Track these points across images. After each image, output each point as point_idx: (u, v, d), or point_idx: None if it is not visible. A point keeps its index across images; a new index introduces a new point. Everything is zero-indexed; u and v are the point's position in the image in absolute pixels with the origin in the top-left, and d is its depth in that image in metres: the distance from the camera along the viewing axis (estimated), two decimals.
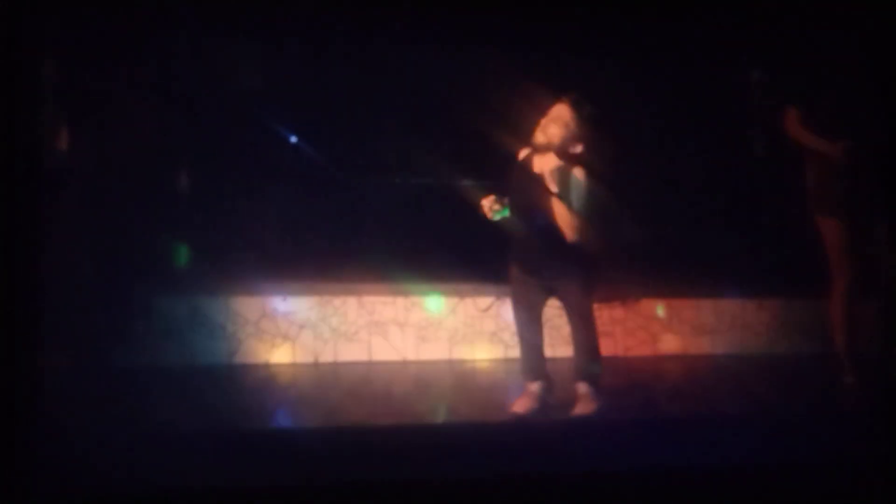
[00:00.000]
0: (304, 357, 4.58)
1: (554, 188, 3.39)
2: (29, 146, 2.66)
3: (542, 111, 3.54)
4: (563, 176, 3.41)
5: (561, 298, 3.68)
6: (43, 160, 2.98)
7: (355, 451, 2.85)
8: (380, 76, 5.14)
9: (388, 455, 2.79)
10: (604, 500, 2.54)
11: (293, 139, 5.11)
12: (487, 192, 3.60)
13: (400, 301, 4.71)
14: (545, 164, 3.48)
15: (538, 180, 3.45)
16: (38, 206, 2.74)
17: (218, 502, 2.41)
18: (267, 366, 4.51)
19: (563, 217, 3.39)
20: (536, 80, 5.14)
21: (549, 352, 3.79)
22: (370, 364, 4.61)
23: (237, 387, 4.14)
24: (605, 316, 4.86)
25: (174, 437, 3.04)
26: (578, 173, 3.43)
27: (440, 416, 3.86)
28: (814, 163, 4.20)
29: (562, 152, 3.46)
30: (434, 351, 4.71)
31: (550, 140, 3.45)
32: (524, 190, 3.51)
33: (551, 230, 3.43)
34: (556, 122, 3.46)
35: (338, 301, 4.65)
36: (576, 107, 3.47)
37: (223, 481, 2.48)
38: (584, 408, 3.55)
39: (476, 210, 3.66)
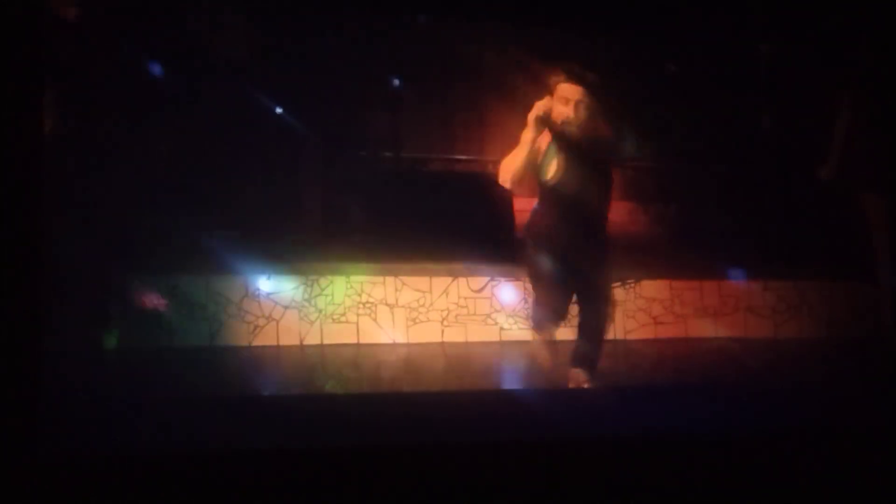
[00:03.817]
0: (288, 339, 4.39)
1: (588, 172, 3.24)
2: (28, 133, 2.53)
3: (559, 95, 3.27)
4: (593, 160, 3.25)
5: (582, 280, 3.44)
6: (42, 145, 2.86)
7: (340, 417, 2.83)
8: (368, 49, 4.95)
9: (373, 421, 2.75)
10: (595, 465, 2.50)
11: (277, 114, 4.90)
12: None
13: (389, 281, 4.52)
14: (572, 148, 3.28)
15: (576, 164, 3.26)
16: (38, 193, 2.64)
17: (202, 465, 2.37)
18: (249, 348, 4.31)
19: (595, 202, 3.25)
20: (534, 53, 4.97)
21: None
22: (358, 346, 4.42)
23: (216, 369, 3.96)
24: None
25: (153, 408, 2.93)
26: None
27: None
28: (865, 140, 4.00)
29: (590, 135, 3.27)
30: (425, 333, 4.52)
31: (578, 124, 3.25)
32: (562, 173, 3.30)
33: (585, 214, 3.27)
34: (579, 106, 3.25)
35: (324, 281, 4.46)
36: (594, 90, 3.27)
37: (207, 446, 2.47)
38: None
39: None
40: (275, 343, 4.38)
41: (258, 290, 4.38)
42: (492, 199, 4.68)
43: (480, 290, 4.60)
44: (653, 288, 4.79)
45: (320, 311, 4.44)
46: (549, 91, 3.27)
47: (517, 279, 4.56)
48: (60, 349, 3.76)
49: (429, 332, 4.53)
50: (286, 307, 4.40)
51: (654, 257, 4.80)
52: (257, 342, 4.36)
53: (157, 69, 4.60)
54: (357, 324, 4.48)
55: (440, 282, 4.57)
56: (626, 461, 2.51)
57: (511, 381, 3.74)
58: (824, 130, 4.37)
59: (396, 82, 5.01)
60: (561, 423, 2.78)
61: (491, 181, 4.87)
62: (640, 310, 4.75)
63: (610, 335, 4.62)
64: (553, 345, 3.49)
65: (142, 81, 4.52)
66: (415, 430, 2.64)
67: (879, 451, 2.61)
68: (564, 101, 3.23)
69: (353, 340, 4.46)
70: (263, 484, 2.32)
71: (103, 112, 4.20)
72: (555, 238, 3.31)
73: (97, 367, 3.78)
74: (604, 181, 3.35)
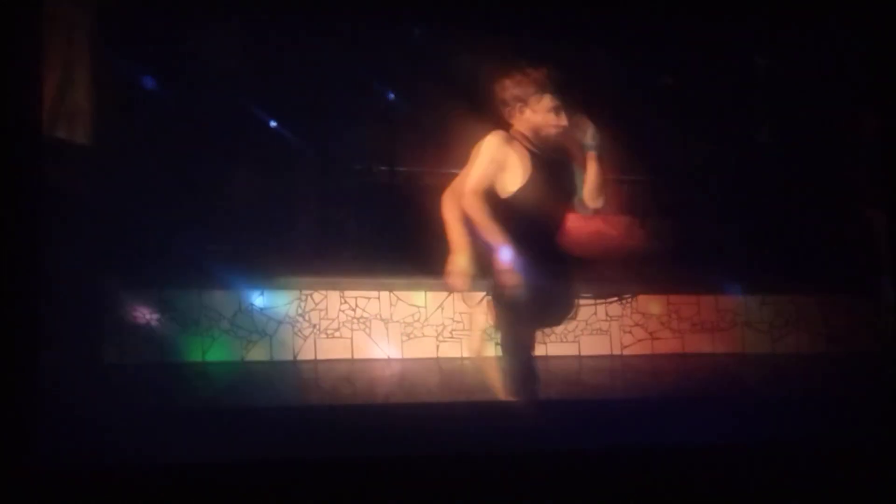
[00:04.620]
0: (281, 354, 4.34)
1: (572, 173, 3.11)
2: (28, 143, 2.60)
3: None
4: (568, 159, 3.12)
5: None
6: (42, 156, 2.86)
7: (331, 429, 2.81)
8: (362, 61, 4.91)
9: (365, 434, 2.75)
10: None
11: (271, 128, 4.86)
12: None
13: (384, 296, 4.48)
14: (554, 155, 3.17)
15: (559, 173, 3.13)
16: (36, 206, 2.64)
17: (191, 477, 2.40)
18: (242, 363, 4.26)
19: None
20: (532, 66, 4.94)
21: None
22: (352, 362, 4.37)
23: (208, 386, 3.91)
24: (601, 313, 4.65)
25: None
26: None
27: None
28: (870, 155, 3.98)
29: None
30: (420, 349, 4.47)
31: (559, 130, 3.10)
32: (554, 191, 3.16)
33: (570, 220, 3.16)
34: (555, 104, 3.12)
35: (318, 296, 4.41)
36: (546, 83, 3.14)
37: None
38: None
39: None
40: (268, 358, 4.33)
41: (251, 304, 4.33)
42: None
43: (477, 305, 4.54)
44: (650, 303, 4.76)
45: (314, 326, 4.40)
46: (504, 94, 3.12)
47: None
48: (53, 362, 3.74)
49: (424, 348, 4.49)
50: (279, 322, 4.36)
51: (651, 272, 4.76)
52: (250, 357, 4.31)
53: (151, 82, 4.57)
54: (351, 339, 4.43)
55: (436, 296, 4.53)
56: (620, 473, 2.53)
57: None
58: (823, 143, 4.35)
59: (391, 95, 4.97)
60: (553, 435, 2.77)
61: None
62: (637, 325, 4.72)
63: (606, 350, 4.64)
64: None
65: (136, 94, 4.48)
66: (408, 442, 2.63)
67: (877, 466, 2.60)
68: (542, 104, 3.06)
69: (346, 356, 4.41)
70: (255, 496, 2.32)
71: (96, 126, 4.18)
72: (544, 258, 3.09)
73: (89, 380, 3.74)
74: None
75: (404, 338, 4.48)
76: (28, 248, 2.58)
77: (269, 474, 2.39)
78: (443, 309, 4.52)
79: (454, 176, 5.19)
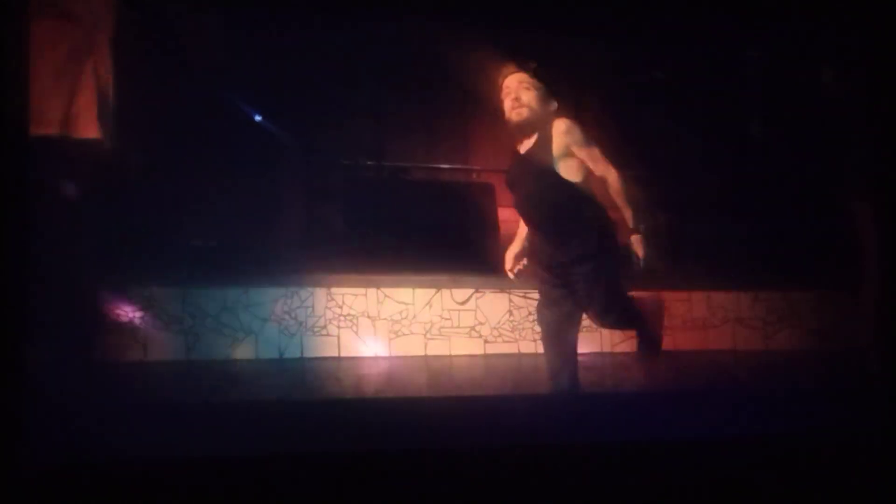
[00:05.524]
0: (267, 353, 4.28)
1: (546, 164, 3.08)
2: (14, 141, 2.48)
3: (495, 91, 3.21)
4: (545, 148, 3.09)
5: (583, 290, 3.28)
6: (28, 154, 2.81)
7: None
8: (349, 56, 4.86)
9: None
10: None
11: (257, 122, 4.80)
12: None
13: (371, 293, 4.41)
14: (528, 144, 3.17)
15: (528, 163, 3.13)
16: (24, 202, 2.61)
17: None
18: (227, 362, 4.20)
19: (567, 191, 3.09)
20: (522, 60, 4.89)
21: None
22: (339, 360, 4.31)
23: (194, 385, 3.85)
24: None
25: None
26: (561, 132, 3.08)
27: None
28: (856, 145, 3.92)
29: (536, 123, 3.12)
30: (408, 346, 4.41)
31: (519, 117, 3.12)
32: (522, 181, 3.18)
33: (559, 211, 3.11)
34: (516, 95, 3.13)
35: (304, 293, 4.35)
36: (525, 71, 3.16)
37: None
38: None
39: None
40: (253, 357, 4.27)
41: (236, 302, 4.27)
42: (476, 209, 4.60)
43: (464, 303, 4.50)
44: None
45: (300, 323, 4.34)
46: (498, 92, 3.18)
47: (502, 291, 4.48)
48: (40, 361, 3.69)
49: (412, 346, 4.43)
50: (265, 320, 4.29)
51: (642, 268, 4.70)
52: (235, 356, 4.24)
53: (135, 76, 4.51)
54: (338, 337, 4.38)
55: (424, 294, 4.48)
56: (610, 469, 2.49)
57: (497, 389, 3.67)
58: (814, 140, 4.30)
59: (379, 90, 4.93)
60: (541, 431, 2.73)
61: (475, 190, 4.81)
62: None
63: (596, 348, 4.59)
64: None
65: (119, 88, 4.42)
66: (394, 437, 2.59)
67: (869, 461, 2.57)
68: (509, 92, 3.12)
69: (333, 354, 4.35)
70: (244, 490, 2.29)
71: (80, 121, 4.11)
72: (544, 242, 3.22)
73: (77, 378, 3.68)
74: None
75: (392, 335, 4.42)
76: (14, 246, 2.54)
77: (259, 469, 2.35)
78: (431, 306, 4.46)
79: (442, 171, 5.18)
